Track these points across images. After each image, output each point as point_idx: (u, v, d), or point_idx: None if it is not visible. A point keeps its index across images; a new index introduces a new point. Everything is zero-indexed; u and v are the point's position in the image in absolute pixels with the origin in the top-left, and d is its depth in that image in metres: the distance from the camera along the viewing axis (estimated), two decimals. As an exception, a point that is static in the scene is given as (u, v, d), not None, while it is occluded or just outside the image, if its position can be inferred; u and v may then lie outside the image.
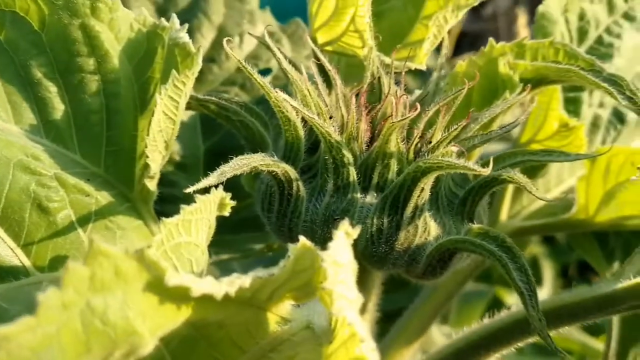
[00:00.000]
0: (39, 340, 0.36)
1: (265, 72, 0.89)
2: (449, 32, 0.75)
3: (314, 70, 0.64)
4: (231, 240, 0.82)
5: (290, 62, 0.66)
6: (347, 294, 0.41)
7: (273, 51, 0.66)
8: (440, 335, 1.08)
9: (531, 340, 0.71)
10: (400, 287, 0.97)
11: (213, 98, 0.67)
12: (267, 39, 0.66)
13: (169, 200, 0.73)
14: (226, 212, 0.54)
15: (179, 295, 0.42)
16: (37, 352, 0.36)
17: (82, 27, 0.61)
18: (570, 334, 1.22)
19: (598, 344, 1.20)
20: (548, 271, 1.57)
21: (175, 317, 0.43)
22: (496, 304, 1.37)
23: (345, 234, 0.44)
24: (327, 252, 0.42)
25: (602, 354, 1.07)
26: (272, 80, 0.88)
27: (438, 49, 0.74)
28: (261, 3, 0.95)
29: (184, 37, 0.60)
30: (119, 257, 0.39)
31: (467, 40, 0.69)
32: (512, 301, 1.41)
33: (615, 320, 0.89)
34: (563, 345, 1.28)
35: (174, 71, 0.58)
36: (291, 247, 0.44)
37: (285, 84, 0.76)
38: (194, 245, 0.50)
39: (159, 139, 0.59)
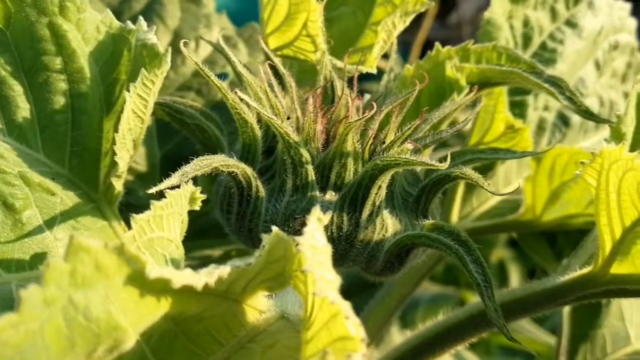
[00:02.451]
0: (22, 337, 0.36)
1: (221, 77, 0.89)
2: (415, 39, 0.77)
3: (269, 73, 0.65)
4: (189, 247, 0.83)
5: (245, 66, 0.67)
6: (327, 276, 0.42)
7: (227, 56, 0.67)
8: (401, 339, 1.09)
9: (485, 335, 0.72)
10: (357, 292, 0.98)
11: (168, 102, 0.67)
12: (223, 44, 0.67)
13: (126, 208, 0.73)
14: (197, 206, 0.55)
15: (159, 288, 0.42)
16: (21, 350, 0.36)
17: (49, 26, 0.61)
18: (537, 336, 1.24)
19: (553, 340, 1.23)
20: (515, 274, 1.60)
21: (156, 310, 0.43)
22: (461, 306, 1.40)
23: (317, 220, 0.45)
24: (303, 237, 0.43)
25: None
26: (229, 85, 0.89)
27: (404, 54, 0.76)
28: (218, 6, 0.95)
29: (152, 38, 0.61)
30: (99, 252, 0.39)
31: (432, 48, 0.71)
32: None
33: (566, 318, 0.92)
34: (530, 347, 1.31)
35: (143, 70, 0.58)
36: (265, 236, 0.45)
37: (241, 90, 0.77)
38: (167, 240, 0.50)
39: (128, 137, 0.59)
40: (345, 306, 0.40)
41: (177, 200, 0.52)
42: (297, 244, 0.43)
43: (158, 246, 0.50)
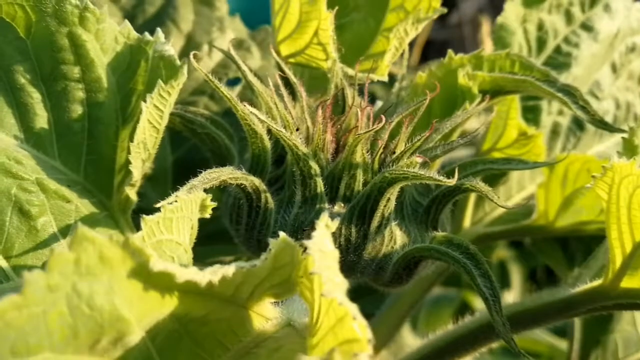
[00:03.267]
0: (25, 320, 0.36)
1: (235, 81, 0.89)
2: (416, 39, 0.76)
3: (279, 82, 0.65)
4: (200, 252, 0.83)
5: (259, 71, 0.67)
6: (335, 279, 0.42)
7: (238, 64, 0.67)
8: (412, 339, 1.09)
9: (495, 345, 0.72)
10: (366, 294, 0.98)
11: (179, 112, 0.67)
12: (233, 51, 0.67)
13: (138, 212, 0.74)
14: (207, 214, 0.55)
15: (163, 283, 0.43)
16: (24, 333, 0.37)
17: (69, 36, 0.61)
18: (539, 337, 1.24)
19: (565, 346, 1.23)
20: (516, 275, 1.60)
21: (160, 306, 0.44)
22: (464, 308, 1.40)
23: (325, 226, 0.45)
24: (311, 241, 0.43)
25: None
26: (242, 89, 0.88)
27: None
28: (230, 9, 0.95)
29: (169, 50, 0.62)
30: (104, 244, 0.39)
31: (433, 48, 0.70)
32: (481, 305, 1.43)
33: (577, 323, 0.91)
34: (531, 347, 1.31)
35: (159, 81, 0.59)
36: (272, 241, 0.46)
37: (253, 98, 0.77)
38: (176, 243, 0.50)
39: (143, 146, 0.60)
40: (353, 308, 0.40)
41: (188, 206, 0.52)
42: (305, 248, 0.43)
43: (167, 248, 0.50)
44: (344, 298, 0.41)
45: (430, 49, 0.67)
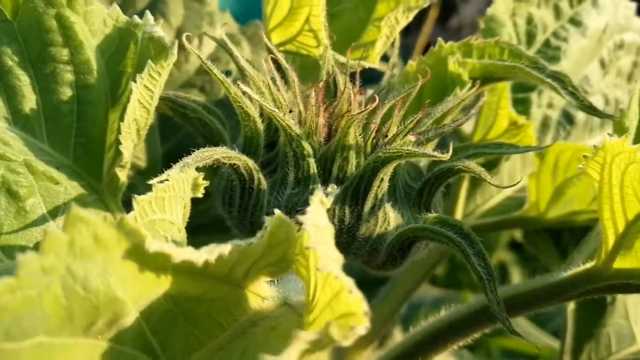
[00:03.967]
0: (19, 303, 0.36)
1: (224, 74, 0.89)
2: (416, 43, 0.77)
3: (271, 67, 0.65)
4: (192, 244, 0.83)
5: (249, 62, 0.67)
6: (330, 254, 0.42)
7: (230, 51, 0.67)
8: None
9: (487, 331, 0.72)
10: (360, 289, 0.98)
11: (171, 96, 0.67)
12: (227, 40, 0.67)
13: (128, 204, 0.73)
14: (199, 194, 0.55)
15: (159, 263, 0.42)
16: (19, 316, 0.36)
17: (57, 17, 0.61)
18: (540, 339, 1.24)
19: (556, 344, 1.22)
20: (516, 277, 1.59)
21: (155, 286, 0.43)
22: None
23: (320, 202, 0.45)
24: (306, 216, 0.43)
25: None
26: (233, 81, 0.88)
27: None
28: (220, 4, 0.95)
29: (159, 31, 0.61)
30: (98, 225, 0.39)
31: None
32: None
33: (570, 317, 0.91)
34: (530, 349, 1.30)
35: (149, 61, 0.59)
36: (267, 219, 0.46)
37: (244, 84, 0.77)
38: (169, 222, 0.50)
39: (133, 127, 0.60)
40: (349, 281, 0.40)
41: (180, 184, 0.52)
42: (301, 224, 0.43)
43: (160, 228, 0.50)
44: (340, 272, 0.41)
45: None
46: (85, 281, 0.39)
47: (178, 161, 0.68)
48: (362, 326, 0.40)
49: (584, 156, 0.59)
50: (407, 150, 0.58)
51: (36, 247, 0.56)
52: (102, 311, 0.40)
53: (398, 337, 1.12)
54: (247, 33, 0.95)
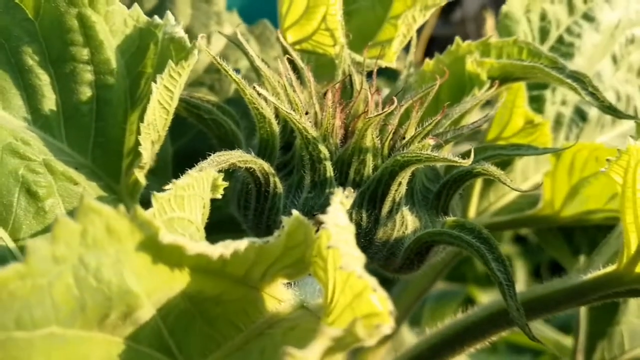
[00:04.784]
0: (29, 291, 0.35)
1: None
2: (420, 36, 0.76)
3: (286, 67, 0.64)
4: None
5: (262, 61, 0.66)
6: (352, 252, 0.41)
7: (245, 50, 0.66)
8: (411, 337, 1.08)
9: (505, 334, 0.71)
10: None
11: (185, 97, 0.66)
12: (240, 38, 0.66)
13: (144, 204, 0.72)
14: (219, 194, 0.54)
15: (173, 257, 0.42)
16: (29, 305, 0.36)
17: (78, 17, 0.60)
18: (544, 333, 1.24)
19: (570, 342, 1.22)
20: (520, 271, 1.59)
21: (170, 281, 0.43)
22: (469, 304, 1.39)
23: (340, 203, 0.44)
24: (327, 215, 0.42)
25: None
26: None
27: (406, 49, 0.75)
28: (228, 4, 0.94)
29: (180, 32, 0.61)
30: (111, 216, 0.38)
31: (436, 45, 0.70)
32: (485, 300, 1.43)
33: (583, 315, 0.91)
34: (535, 344, 1.30)
35: (170, 61, 0.58)
36: (285, 219, 0.45)
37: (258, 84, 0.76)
38: (188, 221, 0.49)
39: (152, 128, 0.59)
40: (372, 281, 0.39)
41: (200, 183, 0.51)
42: (321, 223, 0.42)
43: (178, 226, 0.49)
44: (363, 271, 0.40)
45: (434, 45, 0.67)
46: (97, 272, 0.38)
47: (189, 161, 0.67)
48: (388, 325, 0.39)
49: (607, 160, 0.58)
50: (427, 154, 0.57)
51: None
52: (115, 303, 0.39)
53: (406, 333, 1.12)
54: (255, 32, 0.94)
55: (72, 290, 0.37)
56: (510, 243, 1.70)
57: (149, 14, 0.69)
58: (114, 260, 0.39)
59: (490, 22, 1.39)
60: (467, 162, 0.55)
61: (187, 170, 0.56)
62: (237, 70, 0.89)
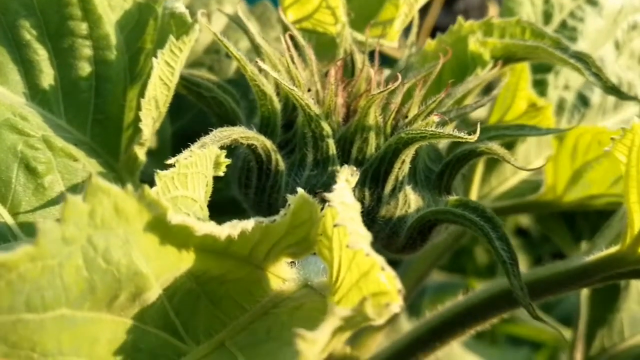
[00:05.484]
0: (39, 273, 0.35)
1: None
2: (422, 26, 0.75)
3: (288, 44, 0.63)
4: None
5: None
6: (359, 230, 0.41)
7: (245, 27, 0.65)
8: (409, 326, 1.08)
9: (505, 325, 0.71)
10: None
11: (184, 74, 0.65)
12: (242, 16, 0.65)
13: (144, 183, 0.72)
14: (221, 172, 0.54)
15: (181, 237, 0.41)
16: (40, 287, 0.35)
17: None
18: (545, 325, 1.23)
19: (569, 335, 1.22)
20: (522, 263, 1.59)
21: (178, 261, 0.43)
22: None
23: (346, 180, 0.45)
24: (333, 194, 0.42)
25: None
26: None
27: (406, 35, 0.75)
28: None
29: (180, 7, 0.60)
30: (119, 196, 0.38)
31: (440, 33, 0.70)
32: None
33: (584, 302, 0.90)
34: (535, 336, 1.30)
35: (171, 36, 0.57)
36: (290, 197, 0.45)
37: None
38: (191, 199, 0.49)
39: (153, 104, 0.58)
40: (380, 259, 0.39)
41: (202, 161, 0.51)
42: (328, 201, 0.42)
43: (182, 205, 0.48)
44: (370, 249, 0.40)
45: (437, 34, 0.67)
46: (106, 253, 0.38)
47: (188, 141, 0.66)
48: (397, 304, 0.39)
49: (612, 138, 0.57)
50: (432, 131, 0.56)
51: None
52: (124, 284, 0.39)
53: (404, 322, 1.12)
54: (255, 13, 0.93)
55: (81, 271, 0.37)
56: (512, 236, 1.70)
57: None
58: (123, 240, 0.39)
59: (493, 11, 1.39)
60: (472, 138, 0.54)
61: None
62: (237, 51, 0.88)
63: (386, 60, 0.77)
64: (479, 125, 0.55)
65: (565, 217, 0.94)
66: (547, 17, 0.89)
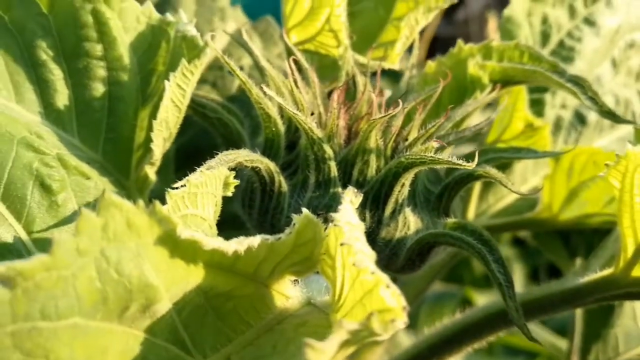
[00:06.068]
0: (54, 283, 0.37)
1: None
2: (422, 36, 0.76)
3: (292, 68, 0.64)
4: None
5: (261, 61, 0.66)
6: (365, 249, 0.42)
7: (250, 49, 0.67)
8: (407, 338, 1.09)
9: (502, 335, 0.72)
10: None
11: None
12: (246, 37, 0.67)
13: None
14: (229, 192, 0.55)
15: (190, 252, 0.43)
16: (54, 296, 0.37)
17: (93, 12, 0.61)
18: (540, 335, 1.24)
19: (564, 344, 1.23)
20: (518, 273, 1.60)
21: (187, 275, 0.44)
22: (466, 305, 1.40)
23: (350, 201, 0.46)
24: (338, 214, 0.44)
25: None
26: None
27: (409, 50, 0.76)
28: (232, 1, 0.95)
29: (192, 30, 0.62)
30: (130, 210, 0.40)
31: (439, 44, 0.71)
32: (482, 301, 1.43)
33: (579, 317, 0.92)
34: (531, 346, 1.31)
35: (183, 59, 0.59)
36: (295, 217, 0.46)
37: (257, 83, 0.77)
38: (201, 218, 0.50)
39: (165, 125, 0.60)
40: (385, 277, 0.40)
41: (212, 181, 0.52)
42: (331, 222, 0.44)
43: (192, 223, 0.50)
44: (376, 268, 0.42)
45: (437, 45, 0.68)
46: (118, 265, 0.39)
47: (191, 158, 0.67)
48: (402, 320, 0.40)
49: (606, 164, 0.59)
50: (431, 157, 0.58)
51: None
52: (135, 295, 0.41)
53: (401, 335, 1.13)
54: (258, 29, 0.94)
55: (94, 282, 0.38)
56: (509, 246, 1.71)
57: (156, 7, 0.70)
58: (134, 254, 0.40)
59: (492, 24, 1.40)
60: (470, 165, 0.56)
61: (189, 167, 0.57)
62: (240, 68, 0.90)
63: (387, 73, 0.78)
64: (477, 154, 0.56)
65: (560, 233, 0.96)
66: (545, 37, 0.91)
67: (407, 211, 0.62)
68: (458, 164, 0.56)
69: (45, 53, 0.61)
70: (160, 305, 0.43)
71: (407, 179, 0.60)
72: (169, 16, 0.63)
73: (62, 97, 0.62)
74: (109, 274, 0.39)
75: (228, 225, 0.79)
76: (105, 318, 0.39)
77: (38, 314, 0.36)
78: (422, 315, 1.36)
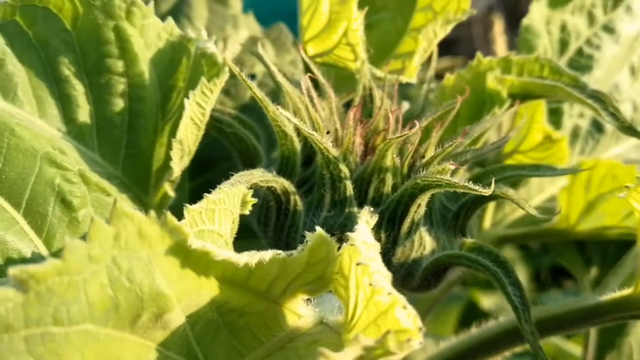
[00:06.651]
0: (66, 288, 0.37)
1: (249, 78, 0.89)
2: None
3: (308, 85, 0.64)
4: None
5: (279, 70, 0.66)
6: (381, 269, 0.42)
7: (265, 62, 0.66)
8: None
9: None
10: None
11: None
12: (253, 47, 0.66)
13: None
14: (247, 211, 0.55)
15: (201, 263, 0.43)
16: (66, 301, 0.37)
17: (115, 29, 0.61)
18: (547, 339, 1.24)
19: (571, 347, 1.23)
20: (521, 275, 1.59)
21: (198, 287, 0.44)
22: (471, 307, 1.40)
23: (366, 221, 0.46)
24: (354, 233, 0.44)
25: (574, 357, 1.10)
26: (257, 85, 0.88)
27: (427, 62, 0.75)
28: (244, 7, 0.94)
29: (212, 47, 0.62)
30: (142, 221, 0.40)
31: (441, 46, 0.70)
32: (488, 303, 1.43)
33: (593, 326, 0.91)
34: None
35: (202, 78, 0.59)
36: (308, 234, 0.46)
37: (271, 91, 0.76)
38: (217, 234, 0.50)
39: (185, 143, 0.60)
40: (402, 298, 0.40)
41: (230, 198, 0.52)
42: (346, 241, 0.44)
43: (208, 239, 0.50)
44: (392, 288, 0.41)
45: (440, 46, 0.67)
46: (129, 273, 0.40)
47: (203, 168, 0.67)
48: (418, 340, 0.40)
49: (626, 187, 0.58)
50: (447, 180, 0.57)
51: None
52: (146, 304, 0.41)
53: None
54: (271, 36, 0.94)
55: (106, 289, 0.39)
56: (512, 248, 1.71)
57: (164, 17, 0.70)
58: (146, 263, 0.40)
59: (498, 26, 1.39)
60: (487, 192, 0.55)
61: (203, 176, 0.58)
62: (253, 76, 0.90)
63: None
64: (493, 181, 0.56)
65: (575, 242, 0.95)
66: (564, 45, 0.90)
67: (423, 230, 0.61)
68: (474, 190, 0.55)
69: (67, 69, 0.61)
70: (172, 314, 0.43)
71: (423, 199, 0.59)
72: (190, 33, 0.63)
73: (83, 113, 0.62)
74: (120, 281, 0.39)
75: (244, 234, 0.79)
76: (117, 326, 0.40)
77: (50, 318, 0.37)
78: (428, 317, 1.36)
